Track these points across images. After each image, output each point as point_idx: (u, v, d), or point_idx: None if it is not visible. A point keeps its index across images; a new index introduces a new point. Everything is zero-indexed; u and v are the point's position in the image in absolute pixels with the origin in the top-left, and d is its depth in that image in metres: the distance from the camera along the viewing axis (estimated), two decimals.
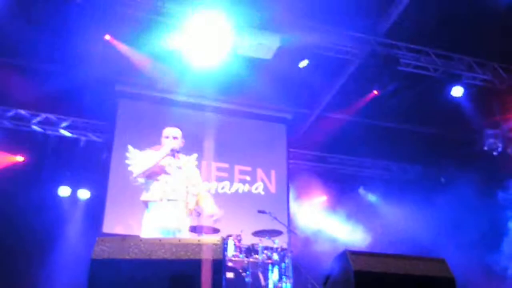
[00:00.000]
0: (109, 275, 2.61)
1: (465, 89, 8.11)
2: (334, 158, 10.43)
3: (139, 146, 4.65)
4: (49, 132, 9.02)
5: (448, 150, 9.30)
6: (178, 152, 4.49)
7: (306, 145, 10.23)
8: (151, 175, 4.33)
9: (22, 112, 8.84)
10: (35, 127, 8.92)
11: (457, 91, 8.07)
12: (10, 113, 8.79)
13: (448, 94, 8.08)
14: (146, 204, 4.32)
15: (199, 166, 8.53)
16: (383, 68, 7.49)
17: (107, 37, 7.26)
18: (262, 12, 7.10)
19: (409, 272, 3.14)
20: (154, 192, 4.28)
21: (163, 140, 4.50)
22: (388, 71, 7.54)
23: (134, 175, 4.31)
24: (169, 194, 4.26)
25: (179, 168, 4.44)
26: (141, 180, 4.39)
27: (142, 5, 6.85)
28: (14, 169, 8.62)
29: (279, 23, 7.23)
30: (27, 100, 8.46)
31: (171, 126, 4.60)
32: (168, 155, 4.38)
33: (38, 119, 8.93)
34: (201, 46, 6.85)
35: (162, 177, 4.33)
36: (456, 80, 8.01)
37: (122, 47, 7.54)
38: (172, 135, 4.49)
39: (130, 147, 4.62)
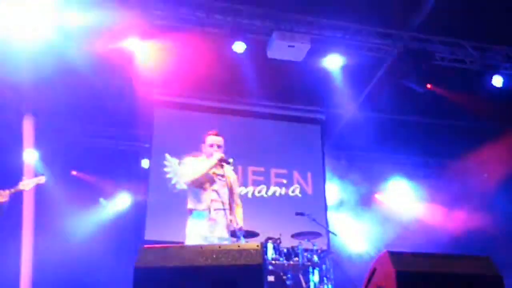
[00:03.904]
0: (152, 282, 2.68)
1: (504, 80, 7.88)
2: (370, 157, 10.32)
3: (176, 154, 4.73)
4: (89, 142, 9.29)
5: (488, 143, 9.06)
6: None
7: (341, 145, 10.16)
8: (200, 184, 4.39)
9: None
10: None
11: (497, 81, 7.84)
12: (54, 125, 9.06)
13: (486, 86, 7.87)
14: (191, 211, 4.38)
15: (235, 171, 8.69)
16: (417, 64, 7.35)
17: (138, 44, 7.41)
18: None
19: (453, 271, 3.07)
20: (202, 201, 4.35)
21: (207, 148, 4.51)
22: (422, 67, 7.39)
23: (185, 181, 4.37)
24: (216, 203, 4.35)
25: (222, 176, 4.48)
26: (183, 186, 4.46)
27: None
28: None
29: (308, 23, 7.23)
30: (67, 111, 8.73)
31: (212, 133, 4.61)
32: (217, 165, 4.42)
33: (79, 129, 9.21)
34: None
35: (209, 186, 4.41)
36: (493, 71, 7.79)
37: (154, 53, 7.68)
38: (216, 144, 4.52)
39: (167, 156, 4.72)
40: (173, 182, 4.43)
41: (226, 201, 4.40)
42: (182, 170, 4.43)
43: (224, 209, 4.37)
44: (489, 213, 8.67)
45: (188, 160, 4.52)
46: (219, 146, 4.52)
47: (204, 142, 4.56)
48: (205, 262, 2.67)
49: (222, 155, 4.44)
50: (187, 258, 2.70)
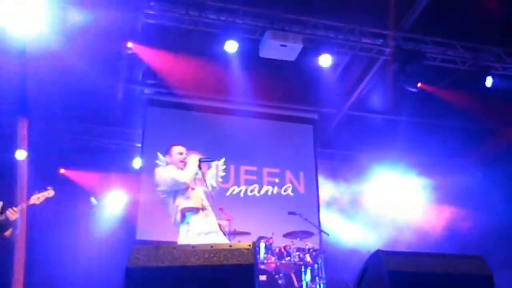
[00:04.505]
0: (143, 283, 2.66)
1: (496, 80, 7.92)
2: (362, 156, 10.34)
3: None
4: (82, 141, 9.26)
5: (482, 142, 9.11)
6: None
7: (334, 145, 10.17)
8: (188, 184, 4.52)
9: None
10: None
11: (488, 82, 7.86)
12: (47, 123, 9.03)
13: (477, 86, 7.90)
14: (184, 213, 4.39)
15: (227, 170, 8.70)
16: (409, 64, 7.37)
17: (130, 44, 7.39)
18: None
19: (446, 271, 3.08)
20: (195, 199, 4.45)
21: (177, 156, 4.63)
22: (414, 67, 7.41)
23: (185, 181, 4.41)
24: (205, 201, 4.52)
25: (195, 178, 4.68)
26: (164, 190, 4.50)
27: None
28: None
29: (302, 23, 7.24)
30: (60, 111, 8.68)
31: (177, 144, 4.75)
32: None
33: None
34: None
35: (194, 185, 4.56)
36: (485, 72, 7.83)
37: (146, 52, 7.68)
38: (185, 152, 4.68)
39: (159, 155, 4.73)
40: (186, 182, 4.51)
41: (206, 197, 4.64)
42: (176, 173, 4.44)
43: (211, 205, 4.59)
44: (482, 212, 8.72)
45: (165, 168, 4.61)
46: (187, 154, 4.70)
47: (169, 153, 4.68)
48: (197, 262, 2.65)
49: (199, 156, 4.63)
50: (178, 258, 2.68)
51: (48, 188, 5.24)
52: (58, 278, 7.80)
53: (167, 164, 4.64)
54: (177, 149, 4.67)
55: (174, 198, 4.44)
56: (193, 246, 2.80)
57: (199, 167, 4.59)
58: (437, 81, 8.22)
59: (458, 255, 3.22)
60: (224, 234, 4.61)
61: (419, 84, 7.67)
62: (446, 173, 9.62)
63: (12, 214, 4.89)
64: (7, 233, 5.03)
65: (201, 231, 4.33)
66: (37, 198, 5.11)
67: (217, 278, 2.61)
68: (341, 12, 7.29)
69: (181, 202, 4.41)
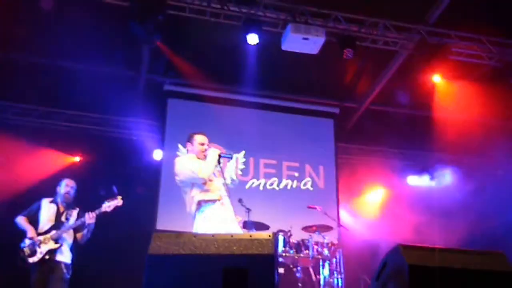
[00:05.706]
0: (164, 269, 2.70)
1: None
2: (383, 152, 10.26)
3: None
4: (103, 132, 9.37)
5: (505, 139, 8.94)
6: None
7: (354, 139, 10.11)
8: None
9: (78, 113, 9.23)
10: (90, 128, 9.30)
11: None
12: (66, 115, 9.18)
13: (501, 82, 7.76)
14: (200, 204, 4.47)
15: (247, 163, 8.72)
16: (433, 58, 7.27)
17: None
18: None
19: (466, 266, 3.04)
20: (213, 191, 4.55)
21: (198, 146, 4.73)
22: (437, 61, 7.31)
23: (204, 177, 4.48)
24: (222, 191, 4.61)
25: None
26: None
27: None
28: (71, 169, 8.98)
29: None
30: (81, 102, 8.79)
31: (199, 133, 4.82)
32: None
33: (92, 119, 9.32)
34: None
35: (213, 177, 4.64)
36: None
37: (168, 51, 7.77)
38: (206, 142, 4.77)
39: (180, 146, 4.78)
40: (204, 177, 4.61)
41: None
42: (195, 167, 4.49)
43: (228, 196, 4.67)
44: (507, 209, 8.59)
45: (186, 158, 4.68)
46: (208, 145, 4.78)
47: (191, 141, 4.77)
48: (217, 251, 2.69)
49: (219, 151, 4.69)
50: (199, 246, 2.72)
51: (118, 197, 5.52)
52: (78, 264, 7.92)
53: (188, 152, 4.70)
54: (199, 138, 4.75)
55: (191, 189, 4.53)
56: (213, 235, 2.83)
57: (218, 162, 4.65)
58: (461, 76, 8.09)
59: (479, 250, 3.18)
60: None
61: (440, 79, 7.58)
62: (469, 170, 9.48)
63: (89, 218, 5.27)
64: (79, 235, 5.43)
65: (218, 220, 4.41)
66: (108, 206, 5.42)
67: (237, 267, 2.63)
68: (364, 5, 7.22)
69: (198, 194, 4.50)
